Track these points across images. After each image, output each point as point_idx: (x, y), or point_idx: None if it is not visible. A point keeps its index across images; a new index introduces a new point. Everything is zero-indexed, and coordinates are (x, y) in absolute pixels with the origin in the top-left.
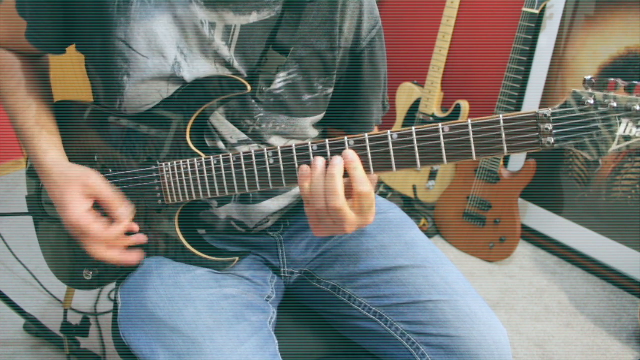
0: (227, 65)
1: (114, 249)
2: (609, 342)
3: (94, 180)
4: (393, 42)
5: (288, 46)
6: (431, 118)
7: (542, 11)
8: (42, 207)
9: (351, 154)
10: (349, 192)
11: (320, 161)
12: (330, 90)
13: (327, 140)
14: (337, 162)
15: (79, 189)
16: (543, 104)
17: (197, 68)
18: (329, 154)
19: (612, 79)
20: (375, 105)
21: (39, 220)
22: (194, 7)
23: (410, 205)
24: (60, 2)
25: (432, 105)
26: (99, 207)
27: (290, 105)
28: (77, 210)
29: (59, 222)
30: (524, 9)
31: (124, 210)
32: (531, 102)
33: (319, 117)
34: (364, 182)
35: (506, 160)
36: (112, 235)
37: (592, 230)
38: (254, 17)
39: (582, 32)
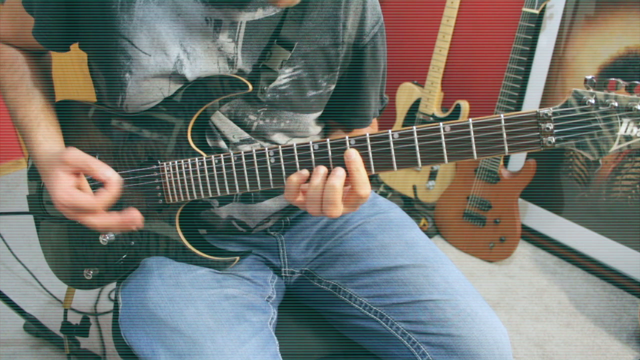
0: (230, 62)
1: (112, 214)
2: (609, 342)
3: (71, 155)
4: (393, 42)
5: (292, 42)
6: (431, 118)
7: (542, 11)
8: (42, 206)
9: (354, 154)
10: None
11: (322, 169)
12: (333, 87)
13: (328, 140)
14: (339, 173)
15: (60, 167)
16: (543, 104)
17: (199, 66)
18: (330, 153)
19: (613, 79)
20: (374, 99)
21: (40, 219)
22: (198, 5)
23: (410, 205)
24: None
25: (432, 105)
26: (94, 182)
27: (295, 101)
28: (61, 187)
29: (59, 222)
30: (524, 9)
31: (109, 172)
32: (531, 102)
33: (321, 113)
34: (365, 186)
35: (506, 160)
36: (105, 199)
37: (592, 230)
38: (259, 14)
39: (582, 32)
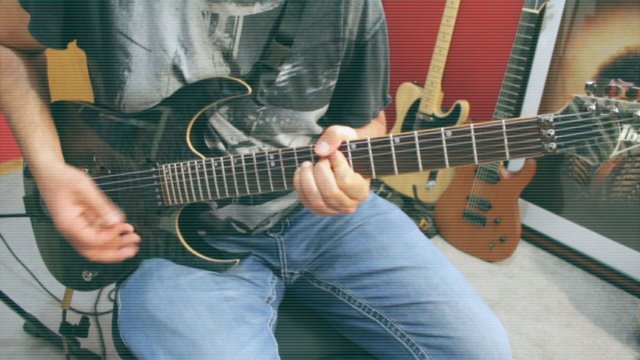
0: (225, 56)
1: (107, 251)
2: (609, 342)
3: (83, 186)
4: (393, 42)
5: (291, 37)
6: (431, 118)
7: (542, 11)
8: (39, 207)
9: (321, 147)
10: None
11: (306, 163)
12: (334, 83)
13: None
14: (322, 161)
15: (69, 194)
16: (543, 104)
17: (195, 62)
18: None
19: (614, 84)
20: (372, 98)
21: (37, 221)
22: None
23: (410, 205)
24: None
25: (432, 105)
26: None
27: (293, 99)
28: (67, 216)
29: None
30: (524, 9)
31: (113, 216)
32: (531, 102)
33: (323, 110)
34: (346, 176)
35: (506, 160)
36: (103, 241)
37: (592, 230)
38: (257, 8)
39: (582, 32)
